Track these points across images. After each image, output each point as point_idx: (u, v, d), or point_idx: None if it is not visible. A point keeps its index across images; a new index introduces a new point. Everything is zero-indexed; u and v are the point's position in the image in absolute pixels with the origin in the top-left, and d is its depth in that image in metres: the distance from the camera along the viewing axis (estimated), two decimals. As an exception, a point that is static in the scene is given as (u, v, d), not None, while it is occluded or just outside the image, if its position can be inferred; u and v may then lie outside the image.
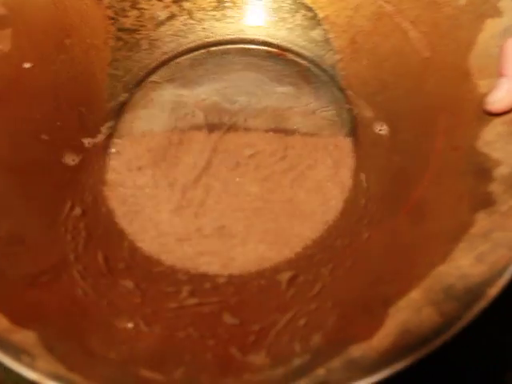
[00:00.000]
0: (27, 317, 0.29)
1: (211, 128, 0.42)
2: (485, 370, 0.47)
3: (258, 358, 0.28)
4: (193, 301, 0.33)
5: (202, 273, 0.35)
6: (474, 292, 0.27)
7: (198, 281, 0.35)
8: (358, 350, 0.26)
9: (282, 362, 0.28)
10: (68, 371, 0.26)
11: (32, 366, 0.26)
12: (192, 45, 0.46)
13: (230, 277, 0.35)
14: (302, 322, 0.30)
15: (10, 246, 0.33)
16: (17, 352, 0.26)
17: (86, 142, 0.41)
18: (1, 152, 0.36)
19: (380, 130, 0.40)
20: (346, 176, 0.39)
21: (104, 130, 0.42)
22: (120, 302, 0.33)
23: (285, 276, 0.34)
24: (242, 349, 0.29)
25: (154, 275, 0.35)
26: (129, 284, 0.34)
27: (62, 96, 0.41)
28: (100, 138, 0.41)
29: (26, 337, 0.27)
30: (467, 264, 0.28)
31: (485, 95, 0.34)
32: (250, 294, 0.34)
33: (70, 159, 0.39)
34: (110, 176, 0.40)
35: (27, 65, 0.40)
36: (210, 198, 0.39)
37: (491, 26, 0.36)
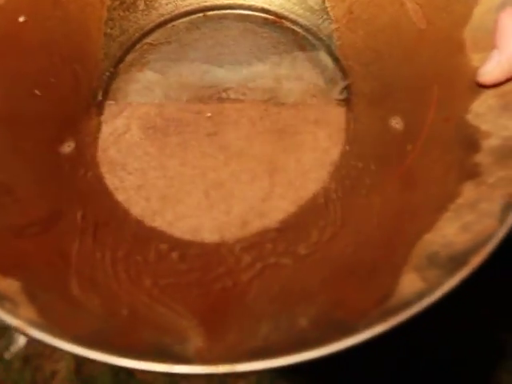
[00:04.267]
0: (12, 266, 0.29)
1: (203, 96, 0.41)
2: (481, 371, 0.47)
3: None
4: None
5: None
6: (458, 260, 0.27)
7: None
8: (340, 312, 0.27)
9: None
10: (48, 321, 0.26)
11: (14, 313, 0.26)
12: (189, 8, 0.46)
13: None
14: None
15: None
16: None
17: (79, 101, 0.40)
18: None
19: (373, 100, 0.40)
20: (336, 145, 0.39)
21: (98, 91, 0.41)
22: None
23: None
24: None
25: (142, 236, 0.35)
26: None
27: (56, 52, 0.40)
28: (93, 99, 0.41)
29: (9, 285, 0.28)
30: (452, 233, 0.29)
31: (478, 69, 0.34)
32: None
33: (63, 117, 0.39)
34: (103, 139, 0.40)
35: (21, 18, 0.39)
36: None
37: (487, 0, 0.36)
